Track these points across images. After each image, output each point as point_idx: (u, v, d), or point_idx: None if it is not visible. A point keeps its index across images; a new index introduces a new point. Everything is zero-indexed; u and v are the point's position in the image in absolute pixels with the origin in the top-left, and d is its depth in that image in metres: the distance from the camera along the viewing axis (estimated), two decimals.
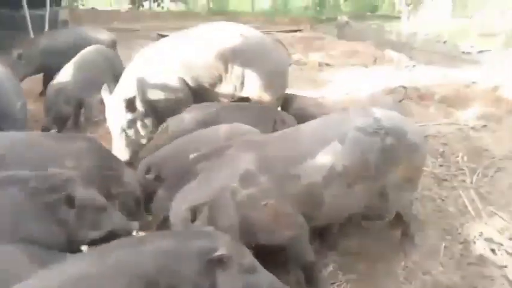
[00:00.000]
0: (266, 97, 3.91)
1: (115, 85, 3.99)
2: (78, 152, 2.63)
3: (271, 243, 2.44)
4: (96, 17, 11.44)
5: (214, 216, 2.28)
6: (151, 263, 1.60)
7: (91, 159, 2.65)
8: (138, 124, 3.72)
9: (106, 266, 1.57)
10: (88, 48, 5.13)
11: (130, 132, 3.72)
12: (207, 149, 2.69)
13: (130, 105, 3.60)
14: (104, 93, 3.77)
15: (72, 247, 2.14)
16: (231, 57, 3.75)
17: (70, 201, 2.08)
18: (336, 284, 2.62)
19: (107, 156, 2.90)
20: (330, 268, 2.73)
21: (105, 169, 2.71)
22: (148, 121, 3.77)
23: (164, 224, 2.53)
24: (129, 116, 3.65)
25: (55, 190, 2.08)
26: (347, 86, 6.45)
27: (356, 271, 2.72)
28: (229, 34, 3.80)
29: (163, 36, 9.29)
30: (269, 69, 3.88)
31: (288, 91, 4.36)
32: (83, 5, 13.66)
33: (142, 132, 3.75)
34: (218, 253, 1.65)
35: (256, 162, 2.37)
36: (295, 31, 11.10)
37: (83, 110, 4.91)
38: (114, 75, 5.04)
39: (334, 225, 3.01)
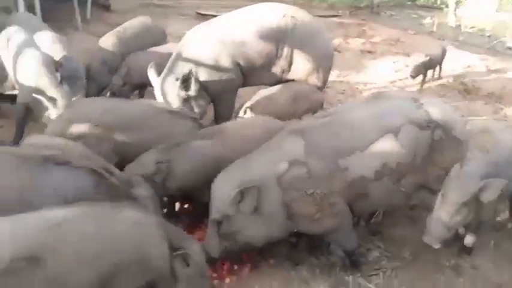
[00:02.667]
0: (313, 80, 3.88)
1: None
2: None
3: (314, 232, 2.47)
4: None
5: (261, 200, 2.28)
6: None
7: None
8: (193, 103, 3.70)
9: None
10: (132, 21, 5.21)
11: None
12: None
13: (185, 83, 3.59)
14: (151, 73, 3.77)
15: None
16: (282, 38, 3.72)
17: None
18: (381, 270, 2.61)
19: None
20: (376, 254, 2.73)
21: None
22: (202, 101, 3.75)
23: None
24: (183, 94, 3.64)
25: None
26: (389, 74, 6.33)
27: (401, 259, 2.72)
28: (280, 15, 3.74)
29: (202, 14, 9.27)
30: (318, 53, 3.83)
31: (329, 76, 4.27)
32: None
33: (196, 110, 3.71)
34: None
35: (306, 149, 2.34)
36: (334, 16, 10.84)
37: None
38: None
39: (379, 212, 3.01)
